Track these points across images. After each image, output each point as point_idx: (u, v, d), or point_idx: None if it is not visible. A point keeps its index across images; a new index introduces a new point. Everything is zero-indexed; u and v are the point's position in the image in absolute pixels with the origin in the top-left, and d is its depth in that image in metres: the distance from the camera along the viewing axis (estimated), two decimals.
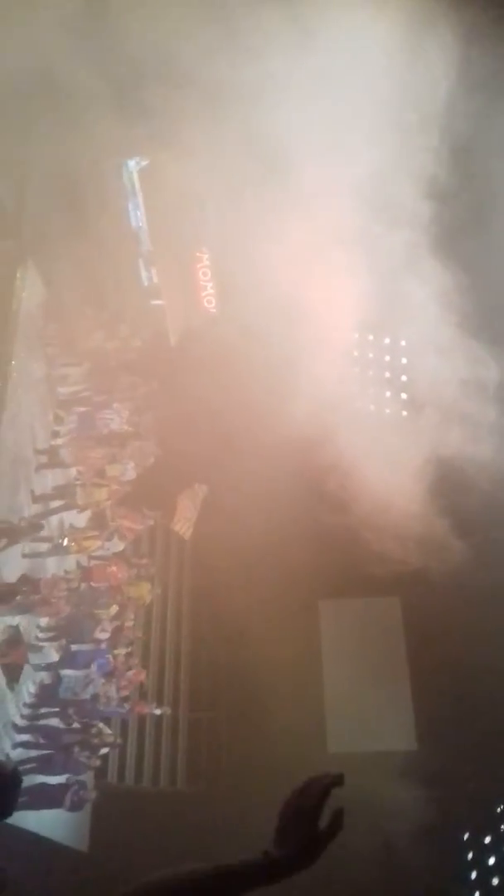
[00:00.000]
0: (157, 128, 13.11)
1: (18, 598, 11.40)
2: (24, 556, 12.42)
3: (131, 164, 15.15)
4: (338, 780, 1.75)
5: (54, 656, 12.81)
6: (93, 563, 13.93)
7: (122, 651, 13.66)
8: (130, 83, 12.57)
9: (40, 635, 12.75)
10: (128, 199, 15.46)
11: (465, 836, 15.53)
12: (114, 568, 13.88)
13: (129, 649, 14.07)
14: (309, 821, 1.71)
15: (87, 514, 14.26)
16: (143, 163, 15.08)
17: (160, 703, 15.21)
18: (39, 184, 13.79)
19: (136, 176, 15.26)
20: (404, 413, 17.39)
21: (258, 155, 12.88)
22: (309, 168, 12.98)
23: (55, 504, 13.82)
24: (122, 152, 15.00)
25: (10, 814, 3.16)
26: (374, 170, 13.20)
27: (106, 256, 15.61)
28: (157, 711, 14.69)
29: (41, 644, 12.62)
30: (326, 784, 1.75)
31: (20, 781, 3.27)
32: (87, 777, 12.56)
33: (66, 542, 13.30)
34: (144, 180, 15.32)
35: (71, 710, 12.29)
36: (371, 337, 17.90)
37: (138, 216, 15.71)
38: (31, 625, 12.50)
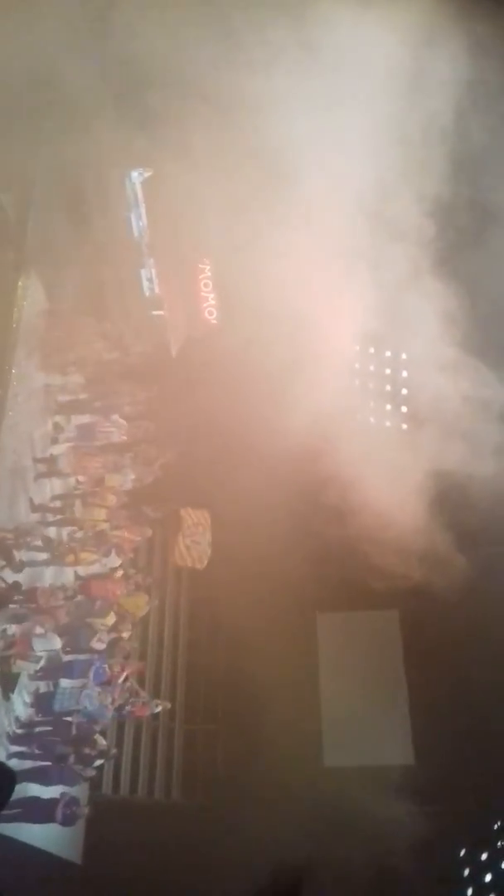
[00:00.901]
0: (160, 139, 13.19)
1: (13, 606, 11.37)
2: (23, 563, 12.38)
3: (134, 174, 15.21)
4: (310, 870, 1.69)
5: (51, 665, 12.76)
6: (90, 575, 13.90)
7: (118, 661, 13.60)
8: (135, 94, 12.67)
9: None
10: (130, 210, 15.53)
11: (462, 853, 15.41)
12: (111, 582, 13.86)
13: (126, 660, 14.00)
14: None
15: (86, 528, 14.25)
16: (147, 174, 15.15)
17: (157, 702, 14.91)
18: (42, 193, 13.86)
19: (138, 187, 15.32)
20: (404, 426, 17.40)
21: (262, 167, 12.95)
22: (312, 181, 13.05)
23: (54, 517, 13.83)
24: (126, 163, 15.08)
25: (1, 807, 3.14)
26: (378, 183, 13.27)
27: (107, 266, 15.66)
28: (158, 708, 14.52)
29: (37, 653, 12.56)
30: (298, 875, 1.71)
31: (13, 776, 3.26)
32: (81, 792, 12.48)
33: (65, 538, 13.29)
34: (147, 191, 15.39)
35: (66, 720, 12.22)
36: (372, 350, 17.92)
37: (140, 227, 15.77)
38: (28, 634, 12.43)
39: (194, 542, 16.66)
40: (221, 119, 12.82)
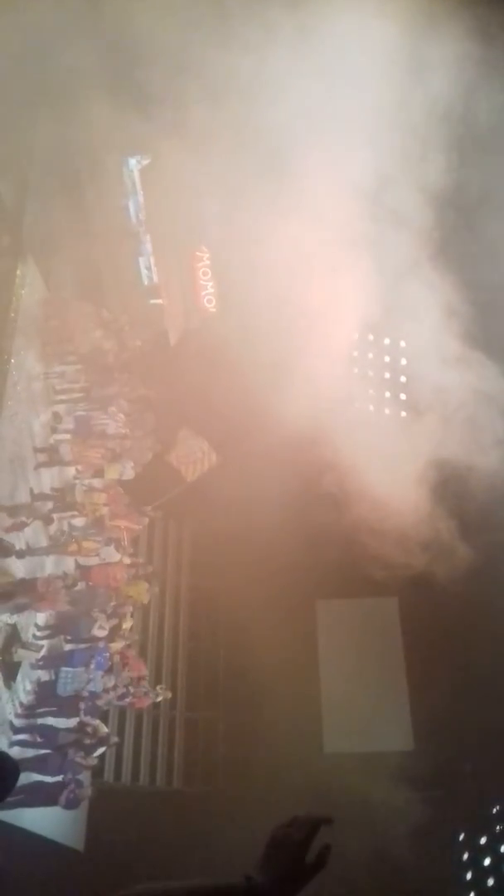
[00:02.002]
0: (158, 125, 13.10)
1: (16, 599, 11.37)
2: (24, 553, 12.37)
3: (132, 161, 15.13)
4: (327, 820, 1.76)
5: (52, 654, 12.81)
6: (91, 563, 13.91)
7: (119, 645, 13.65)
8: (132, 79, 12.57)
9: (38, 633, 12.74)
10: (128, 197, 15.44)
11: (461, 837, 15.53)
12: (112, 567, 13.88)
13: (127, 645, 14.05)
14: (295, 852, 1.71)
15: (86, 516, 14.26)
16: (145, 161, 15.06)
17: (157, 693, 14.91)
18: (40, 180, 13.77)
19: (136, 174, 15.24)
20: (403, 414, 17.40)
21: (260, 153, 12.87)
22: (311, 167, 12.97)
23: (54, 504, 13.82)
24: (124, 150, 14.99)
25: (5, 795, 3.13)
26: (379, 169, 13.19)
27: (106, 254, 15.60)
28: (159, 698, 14.58)
29: (38, 642, 12.60)
30: (316, 819, 1.76)
31: (17, 770, 3.25)
32: (84, 776, 12.54)
33: (66, 527, 13.27)
34: (145, 178, 15.31)
35: (68, 708, 12.27)
36: (371, 337, 17.89)
37: (138, 214, 15.69)
38: (29, 622, 12.48)
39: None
40: (220, 103, 12.74)
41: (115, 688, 13.21)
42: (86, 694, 12.41)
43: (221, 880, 1.68)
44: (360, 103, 12.92)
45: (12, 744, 11.56)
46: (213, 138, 13.17)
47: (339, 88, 12.77)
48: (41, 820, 11.80)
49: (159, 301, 16.63)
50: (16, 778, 3.17)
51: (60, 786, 11.63)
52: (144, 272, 16.19)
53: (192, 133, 13.20)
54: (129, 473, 14.68)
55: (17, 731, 11.81)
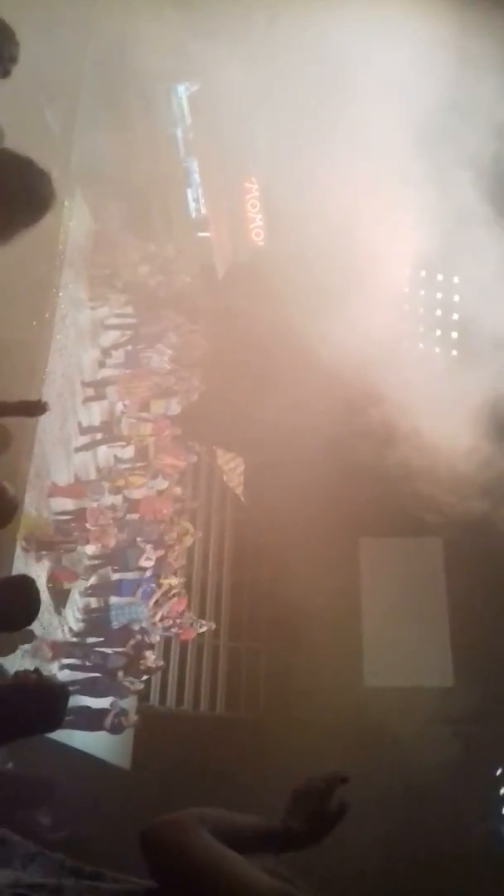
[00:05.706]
0: (208, 50, 12.67)
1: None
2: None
3: (181, 88, 14.71)
4: (343, 779, 1.94)
5: (100, 583, 13.16)
6: (139, 495, 14.13)
7: (165, 580, 13.96)
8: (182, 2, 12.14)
9: (87, 562, 13.06)
10: (176, 126, 15.09)
11: (498, 772, 15.76)
12: (159, 501, 14.09)
13: (173, 579, 14.35)
14: (320, 801, 1.90)
15: (132, 450, 14.43)
16: (194, 87, 14.63)
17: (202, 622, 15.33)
18: (88, 109, 13.49)
19: (185, 101, 14.85)
20: (454, 353, 17.05)
21: (315, 79, 12.39)
22: (369, 94, 12.45)
23: (101, 436, 14.01)
24: (172, 76, 14.57)
25: (57, 726, 3.27)
26: (440, 100, 12.61)
27: (153, 186, 15.36)
28: (203, 629, 14.99)
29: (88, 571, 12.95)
30: (333, 776, 1.94)
31: (68, 696, 3.38)
32: (130, 703, 12.98)
33: (113, 461, 13.45)
34: (194, 106, 14.91)
35: (118, 637, 12.65)
36: (423, 273, 17.43)
37: (187, 144, 15.35)
38: (79, 553, 12.79)
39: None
40: (272, 30, 12.25)
41: (161, 620, 13.58)
42: (136, 627, 12.78)
43: (264, 822, 1.88)
44: (424, 32, 12.26)
45: (62, 667, 12.00)
46: (266, 64, 12.69)
47: (403, 13, 12.12)
48: (90, 739, 12.30)
49: (207, 234, 16.39)
50: (65, 704, 3.30)
51: (106, 711, 12.09)
52: (192, 204, 15.92)
53: (242, 59, 12.73)
54: (175, 408, 14.75)
55: (67, 655, 12.24)
